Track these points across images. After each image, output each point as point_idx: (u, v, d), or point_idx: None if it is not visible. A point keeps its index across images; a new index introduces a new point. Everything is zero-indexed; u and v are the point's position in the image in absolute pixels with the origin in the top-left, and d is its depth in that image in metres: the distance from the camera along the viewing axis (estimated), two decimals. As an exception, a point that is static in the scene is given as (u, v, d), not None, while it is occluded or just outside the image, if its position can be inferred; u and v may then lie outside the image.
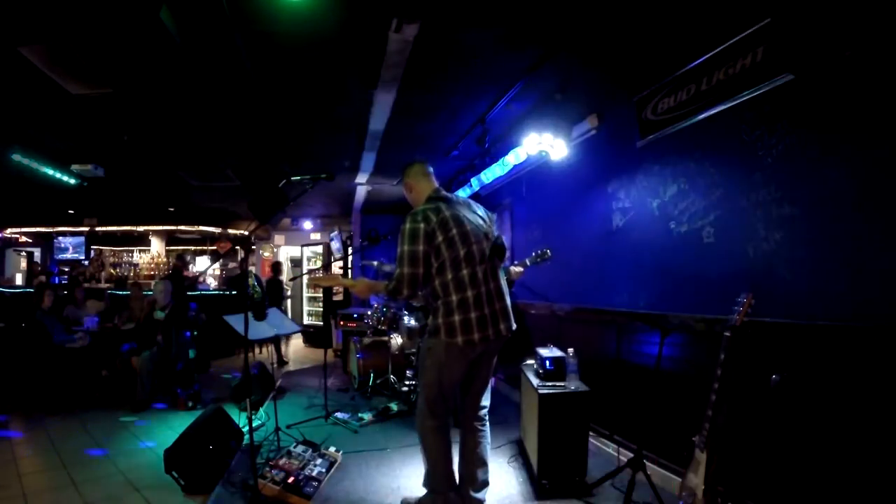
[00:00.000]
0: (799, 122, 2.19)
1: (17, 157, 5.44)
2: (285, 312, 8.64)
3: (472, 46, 3.21)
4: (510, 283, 2.72)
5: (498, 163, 4.75)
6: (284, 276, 8.72)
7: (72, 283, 8.59)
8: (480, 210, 2.57)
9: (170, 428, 4.11)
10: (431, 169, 2.60)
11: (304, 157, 6.17)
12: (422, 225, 2.30)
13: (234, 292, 8.16)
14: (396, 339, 5.21)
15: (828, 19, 2.04)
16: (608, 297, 3.67)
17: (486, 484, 2.53)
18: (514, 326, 2.46)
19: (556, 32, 3.02)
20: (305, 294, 9.83)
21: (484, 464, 2.53)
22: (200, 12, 2.81)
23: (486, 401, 2.57)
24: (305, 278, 8.95)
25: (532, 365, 3.25)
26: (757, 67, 2.33)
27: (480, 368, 2.47)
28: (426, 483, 2.52)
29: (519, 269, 3.01)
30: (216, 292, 8.74)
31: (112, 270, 12.25)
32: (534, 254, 3.18)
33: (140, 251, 13.17)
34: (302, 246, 10.64)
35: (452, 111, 4.40)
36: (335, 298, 8.90)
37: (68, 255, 11.69)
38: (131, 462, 3.45)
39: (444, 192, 2.51)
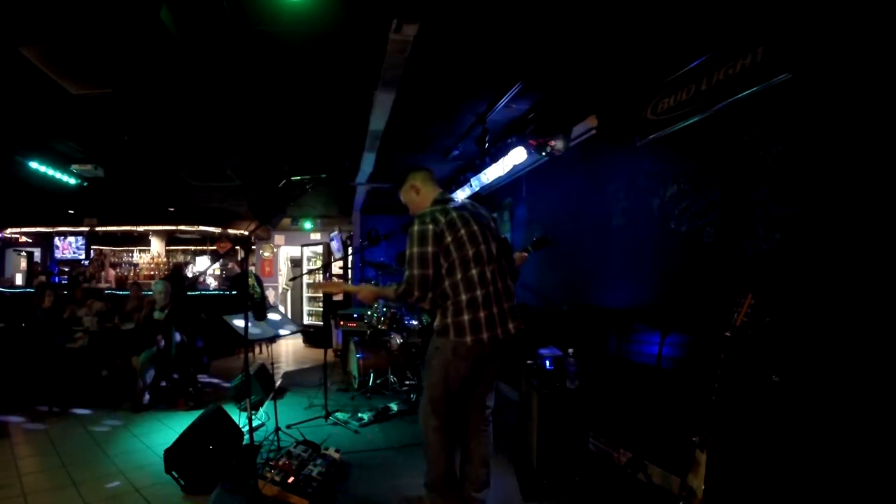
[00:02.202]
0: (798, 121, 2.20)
1: (17, 158, 5.45)
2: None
3: (471, 46, 3.21)
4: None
5: (498, 163, 4.75)
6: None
7: (72, 283, 8.58)
8: (484, 211, 2.58)
9: (170, 428, 4.11)
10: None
11: (304, 157, 6.17)
12: (430, 226, 2.31)
13: (234, 292, 8.15)
14: (396, 339, 5.20)
15: (827, 19, 2.04)
16: (608, 296, 3.67)
17: (487, 484, 2.53)
18: (522, 326, 2.47)
19: (556, 32, 3.02)
20: (305, 294, 9.82)
21: (485, 464, 2.53)
22: (201, 12, 2.81)
23: (490, 401, 2.57)
24: (306, 281, 8.92)
25: (532, 365, 3.25)
26: (757, 67, 2.33)
27: (486, 369, 2.46)
28: (427, 482, 2.52)
29: (523, 254, 2.99)
30: (216, 292, 8.74)
31: (112, 270, 12.24)
32: (535, 239, 3.19)
33: (140, 251, 13.16)
34: (302, 246, 10.64)
35: (452, 111, 4.39)
36: (335, 299, 8.88)
37: (68, 255, 11.68)
38: (131, 462, 3.45)
39: (448, 195, 2.53)
